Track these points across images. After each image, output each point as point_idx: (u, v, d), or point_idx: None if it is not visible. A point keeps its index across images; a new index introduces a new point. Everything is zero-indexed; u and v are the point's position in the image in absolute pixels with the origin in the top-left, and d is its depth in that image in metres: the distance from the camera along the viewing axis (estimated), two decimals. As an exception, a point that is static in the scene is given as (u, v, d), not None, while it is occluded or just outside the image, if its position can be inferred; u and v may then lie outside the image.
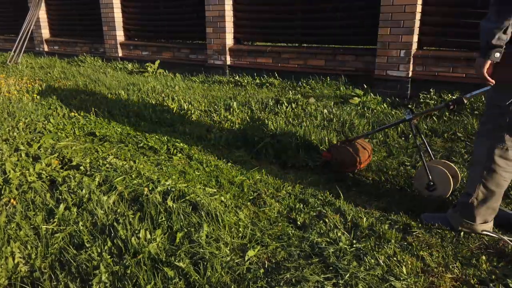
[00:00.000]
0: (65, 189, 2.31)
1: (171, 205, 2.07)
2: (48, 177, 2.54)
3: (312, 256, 1.75)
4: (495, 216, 1.94)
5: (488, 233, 1.88)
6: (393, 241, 1.84)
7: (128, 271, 1.63)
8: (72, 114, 3.94)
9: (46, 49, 9.26)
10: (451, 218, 1.96)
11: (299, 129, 3.24)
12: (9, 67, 7.53)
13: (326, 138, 3.08)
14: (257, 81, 5.55)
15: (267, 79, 5.55)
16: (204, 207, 2.03)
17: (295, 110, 3.99)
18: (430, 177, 2.26)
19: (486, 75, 1.73)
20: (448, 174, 2.25)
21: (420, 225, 1.98)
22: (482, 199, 1.86)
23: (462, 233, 1.91)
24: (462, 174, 2.40)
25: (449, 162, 2.40)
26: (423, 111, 2.52)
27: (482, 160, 1.83)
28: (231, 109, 4.11)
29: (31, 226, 1.99)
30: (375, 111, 3.96)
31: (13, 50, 8.27)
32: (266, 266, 1.70)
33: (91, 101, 4.59)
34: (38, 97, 4.78)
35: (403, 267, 1.66)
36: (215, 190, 2.35)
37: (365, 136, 2.80)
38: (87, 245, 1.83)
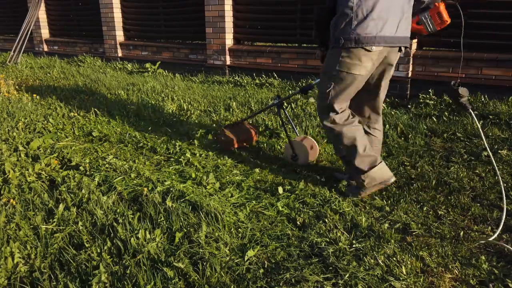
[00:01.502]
0: (64, 189, 2.31)
1: (170, 205, 2.07)
2: (48, 177, 2.54)
3: (312, 256, 1.75)
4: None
5: (489, 241, 1.89)
6: (392, 241, 1.84)
7: (128, 271, 1.63)
8: (72, 114, 3.94)
9: (45, 49, 9.26)
10: (355, 185, 2.35)
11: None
12: (8, 67, 7.53)
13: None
14: (257, 81, 5.55)
15: (266, 79, 5.55)
16: (204, 207, 2.03)
17: (295, 110, 3.99)
18: (293, 149, 2.78)
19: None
20: (307, 146, 2.75)
21: (419, 225, 1.98)
22: (349, 154, 2.25)
23: (462, 233, 1.91)
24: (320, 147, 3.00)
25: (309, 137, 2.87)
26: (286, 96, 3.01)
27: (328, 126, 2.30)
28: (231, 109, 4.11)
29: (31, 226, 1.99)
30: (374, 111, 3.96)
31: (12, 50, 8.27)
32: (265, 266, 1.70)
33: (91, 101, 4.59)
34: (37, 97, 4.77)
35: (403, 267, 1.66)
36: (214, 190, 2.35)
37: (245, 120, 3.24)
38: (87, 245, 1.83)
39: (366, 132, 2.36)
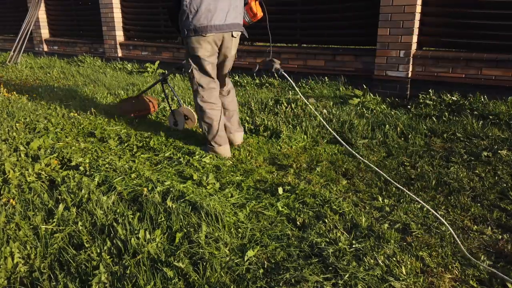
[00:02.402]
0: (64, 189, 2.31)
1: (170, 205, 2.07)
2: (48, 177, 2.54)
3: (312, 256, 1.75)
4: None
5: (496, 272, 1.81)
6: (392, 241, 1.84)
7: (128, 271, 1.63)
8: (72, 114, 3.94)
9: (45, 49, 9.26)
10: (206, 146, 3.00)
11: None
12: (8, 67, 7.53)
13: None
14: (257, 81, 5.55)
15: (266, 79, 5.55)
16: (204, 207, 2.04)
17: (295, 110, 3.99)
18: (174, 117, 3.48)
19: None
20: (183, 114, 3.49)
21: (419, 225, 1.99)
22: (207, 130, 2.94)
23: (461, 234, 1.91)
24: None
25: (189, 108, 3.57)
26: (168, 72, 3.68)
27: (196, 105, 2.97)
28: (231, 109, 4.10)
29: (31, 226, 1.99)
30: (374, 111, 3.96)
31: (12, 50, 8.27)
32: (265, 266, 1.70)
33: (91, 101, 4.59)
34: (37, 97, 4.77)
35: (403, 267, 1.66)
36: (214, 190, 2.35)
37: (139, 94, 3.93)
38: (87, 245, 1.83)
39: (221, 94, 3.06)
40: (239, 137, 3.16)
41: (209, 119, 2.90)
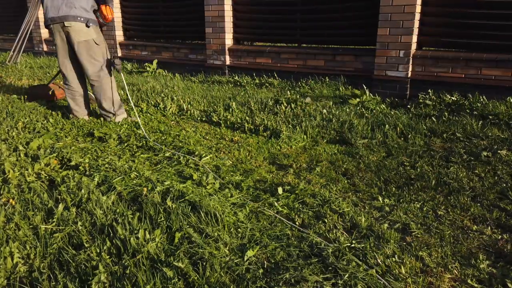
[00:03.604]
0: (64, 189, 2.31)
1: (170, 205, 2.07)
2: (47, 177, 2.54)
3: (311, 256, 1.75)
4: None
5: None
6: (392, 241, 1.84)
7: (127, 271, 1.63)
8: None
9: (45, 49, 9.25)
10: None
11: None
12: (8, 67, 7.52)
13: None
14: (257, 81, 5.55)
15: (266, 79, 5.55)
16: (203, 207, 2.03)
17: (294, 110, 3.99)
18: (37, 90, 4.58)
19: None
20: (49, 92, 4.53)
21: (419, 225, 1.99)
22: (68, 103, 3.79)
23: (461, 234, 1.91)
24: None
25: (55, 86, 4.61)
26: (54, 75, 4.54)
27: None
28: (231, 109, 4.11)
29: (30, 226, 1.99)
30: (374, 111, 3.96)
31: (12, 50, 8.26)
32: (265, 266, 1.70)
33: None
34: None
35: (402, 267, 1.66)
36: (214, 190, 2.35)
37: (49, 82, 4.59)
38: (86, 245, 1.83)
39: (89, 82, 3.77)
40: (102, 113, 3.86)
41: (67, 97, 3.78)
